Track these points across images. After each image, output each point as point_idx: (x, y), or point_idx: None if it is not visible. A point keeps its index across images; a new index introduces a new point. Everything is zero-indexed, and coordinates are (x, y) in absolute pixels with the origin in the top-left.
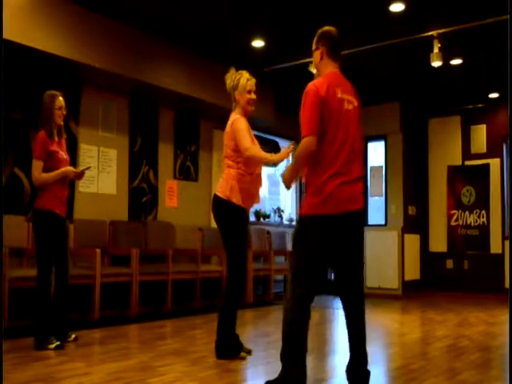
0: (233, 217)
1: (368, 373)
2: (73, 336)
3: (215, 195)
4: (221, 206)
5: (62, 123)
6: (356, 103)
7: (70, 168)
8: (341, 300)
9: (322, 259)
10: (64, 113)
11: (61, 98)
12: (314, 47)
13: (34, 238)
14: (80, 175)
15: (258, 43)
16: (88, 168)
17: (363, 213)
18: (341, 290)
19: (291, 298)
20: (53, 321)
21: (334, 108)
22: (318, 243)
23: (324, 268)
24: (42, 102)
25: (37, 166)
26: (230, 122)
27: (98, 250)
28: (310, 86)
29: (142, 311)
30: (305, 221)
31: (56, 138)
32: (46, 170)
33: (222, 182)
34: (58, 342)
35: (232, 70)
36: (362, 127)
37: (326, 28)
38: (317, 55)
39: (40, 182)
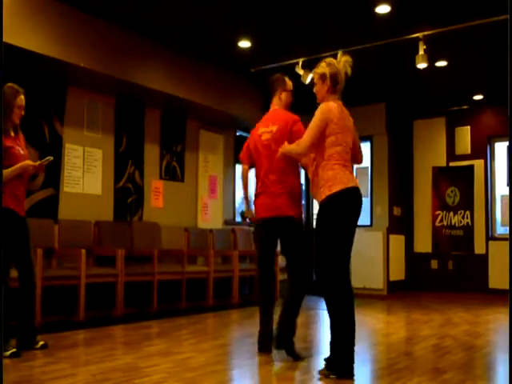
0: None
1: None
2: (41, 343)
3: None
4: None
5: (18, 122)
6: (275, 129)
7: (28, 162)
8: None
9: None
10: (23, 113)
11: (22, 97)
12: None
13: None
14: (40, 168)
15: (244, 44)
16: (48, 160)
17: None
18: None
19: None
20: (10, 326)
21: (253, 144)
22: None
23: None
24: (2, 94)
25: None
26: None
27: (83, 251)
28: None
29: (128, 312)
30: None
31: (12, 134)
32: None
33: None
34: (14, 350)
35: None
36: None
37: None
38: None
39: None
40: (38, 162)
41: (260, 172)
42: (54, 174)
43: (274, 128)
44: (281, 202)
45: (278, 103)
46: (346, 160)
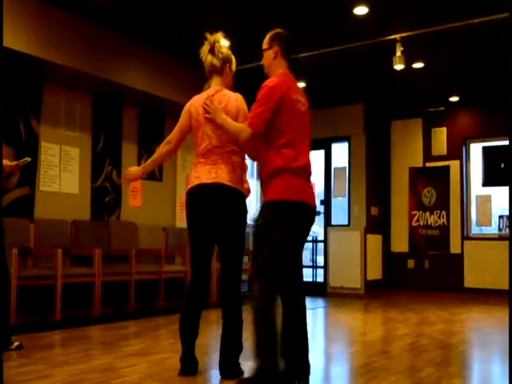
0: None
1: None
2: (16, 344)
3: (228, 186)
4: (240, 199)
5: None
6: (307, 105)
7: (5, 161)
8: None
9: None
10: None
11: None
12: (266, 46)
13: None
14: (16, 169)
15: (223, 43)
16: (25, 161)
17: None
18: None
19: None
20: None
21: (291, 107)
22: None
23: None
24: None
25: None
26: (232, 97)
27: (60, 250)
28: (269, 82)
29: (105, 312)
30: None
31: None
32: None
33: (235, 173)
34: None
35: (220, 36)
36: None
37: (280, 30)
38: (270, 54)
39: None
40: (15, 162)
41: (298, 145)
42: (29, 173)
43: (306, 104)
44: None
45: (286, 66)
46: None
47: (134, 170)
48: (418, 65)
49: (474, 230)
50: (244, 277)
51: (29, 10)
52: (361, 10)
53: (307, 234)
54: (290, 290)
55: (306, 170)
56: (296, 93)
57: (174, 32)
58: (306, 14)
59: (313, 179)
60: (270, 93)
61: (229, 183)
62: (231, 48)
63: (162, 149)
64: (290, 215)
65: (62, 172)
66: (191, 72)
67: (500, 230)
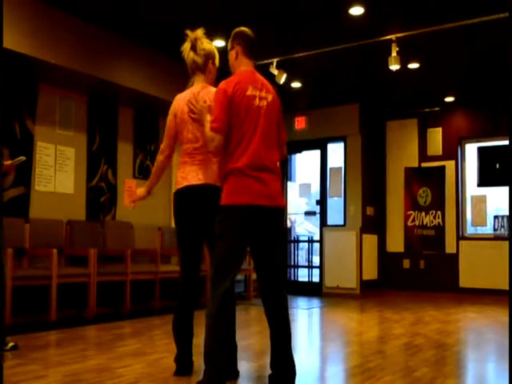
0: None
1: (294, 373)
2: (11, 344)
3: (216, 187)
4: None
5: None
6: (271, 98)
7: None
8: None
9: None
10: None
11: None
12: (229, 47)
13: None
14: (11, 168)
15: (219, 43)
16: (20, 160)
17: None
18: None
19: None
20: None
21: (242, 104)
22: None
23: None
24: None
25: None
26: (209, 92)
27: (55, 250)
28: (220, 84)
29: (100, 312)
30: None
31: None
32: None
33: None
34: None
35: (201, 32)
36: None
37: (242, 28)
38: (232, 54)
39: None
40: (10, 162)
41: (249, 143)
42: (25, 173)
43: (269, 97)
44: (278, 188)
45: (249, 64)
46: None
47: (139, 191)
48: (414, 65)
49: (470, 230)
50: (239, 277)
51: (24, 10)
52: (356, 11)
53: (271, 236)
54: (269, 295)
55: (256, 169)
56: (255, 89)
57: (170, 32)
58: (302, 14)
59: (309, 179)
60: (220, 94)
61: (217, 183)
62: (226, 48)
63: (158, 160)
64: (235, 220)
65: (58, 172)
66: (186, 72)
67: (495, 230)
